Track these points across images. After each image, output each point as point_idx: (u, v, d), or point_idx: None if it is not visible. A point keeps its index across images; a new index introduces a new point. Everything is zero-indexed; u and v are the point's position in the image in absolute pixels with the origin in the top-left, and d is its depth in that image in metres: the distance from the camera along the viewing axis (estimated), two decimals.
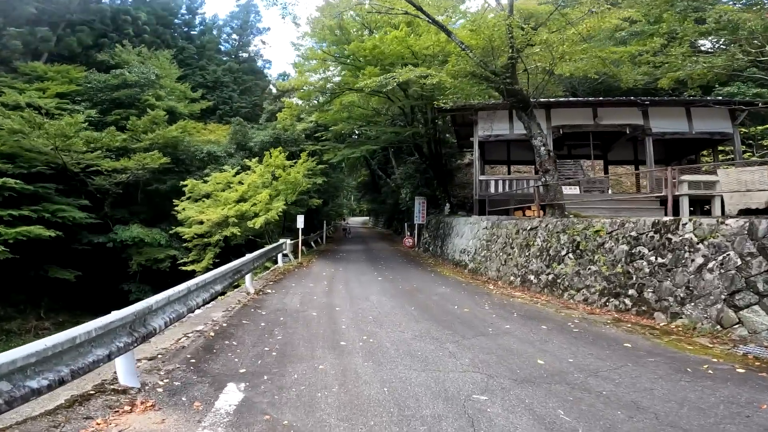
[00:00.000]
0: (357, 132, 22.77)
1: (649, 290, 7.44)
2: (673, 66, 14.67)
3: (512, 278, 11.41)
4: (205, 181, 19.24)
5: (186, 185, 18.96)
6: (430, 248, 21.14)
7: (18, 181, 18.81)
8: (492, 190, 16.10)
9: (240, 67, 52.52)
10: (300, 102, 23.01)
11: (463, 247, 15.47)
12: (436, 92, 17.88)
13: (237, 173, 19.85)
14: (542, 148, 11.11)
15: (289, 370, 4.74)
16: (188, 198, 18.85)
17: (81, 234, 22.98)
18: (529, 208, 15.77)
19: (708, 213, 12.08)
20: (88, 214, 21.79)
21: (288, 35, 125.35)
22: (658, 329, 6.60)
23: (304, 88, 20.39)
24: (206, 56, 51.82)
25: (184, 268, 17.06)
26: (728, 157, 16.19)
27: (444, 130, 22.87)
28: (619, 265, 8.17)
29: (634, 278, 7.85)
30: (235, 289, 9.76)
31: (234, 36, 61.09)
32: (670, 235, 7.33)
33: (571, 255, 9.40)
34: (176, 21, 56.98)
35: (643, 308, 7.46)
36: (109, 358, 3.71)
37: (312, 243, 24.66)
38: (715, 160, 16.30)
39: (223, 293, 8.28)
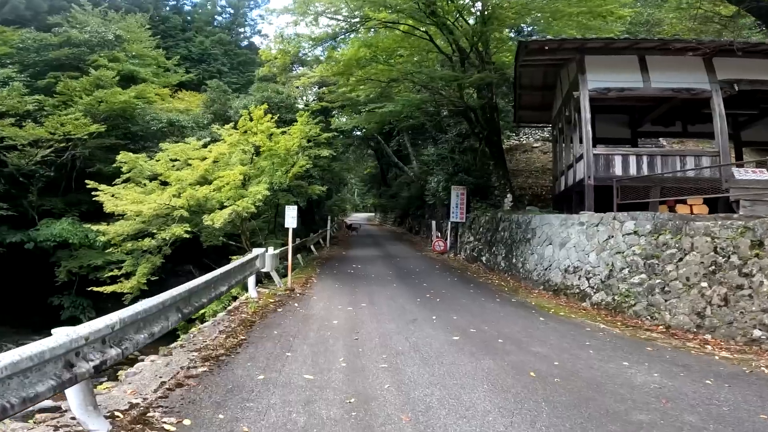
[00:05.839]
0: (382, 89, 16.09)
1: None
2: None
3: (756, 332, 5.11)
4: (151, 157, 12.69)
5: (124, 162, 12.33)
6: (482, 258, 14.74)
7: None
8: (617, 170, 9.64)
9: (233, 39, 45.95)
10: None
11: (572, 263, 9.06)
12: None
13: (205, 146, 13.38)
14: None
15: None
16: (126, 181, 12.33)
17: None
18: (685, 201, 9.44)
19: None
20: None
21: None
22: None
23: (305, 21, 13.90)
24: (196, 28, 45.27)
25: (98, 289, 10.44)
26: None
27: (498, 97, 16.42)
28: None
29: None
30: (88, 396, 3.06)
31: (229, 9, 54.44)
32: None
33: None
34: None
35: None
36: None
37: (312, 247, 18.25)
38: None
39: None
